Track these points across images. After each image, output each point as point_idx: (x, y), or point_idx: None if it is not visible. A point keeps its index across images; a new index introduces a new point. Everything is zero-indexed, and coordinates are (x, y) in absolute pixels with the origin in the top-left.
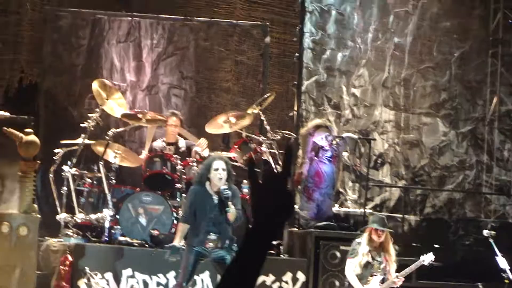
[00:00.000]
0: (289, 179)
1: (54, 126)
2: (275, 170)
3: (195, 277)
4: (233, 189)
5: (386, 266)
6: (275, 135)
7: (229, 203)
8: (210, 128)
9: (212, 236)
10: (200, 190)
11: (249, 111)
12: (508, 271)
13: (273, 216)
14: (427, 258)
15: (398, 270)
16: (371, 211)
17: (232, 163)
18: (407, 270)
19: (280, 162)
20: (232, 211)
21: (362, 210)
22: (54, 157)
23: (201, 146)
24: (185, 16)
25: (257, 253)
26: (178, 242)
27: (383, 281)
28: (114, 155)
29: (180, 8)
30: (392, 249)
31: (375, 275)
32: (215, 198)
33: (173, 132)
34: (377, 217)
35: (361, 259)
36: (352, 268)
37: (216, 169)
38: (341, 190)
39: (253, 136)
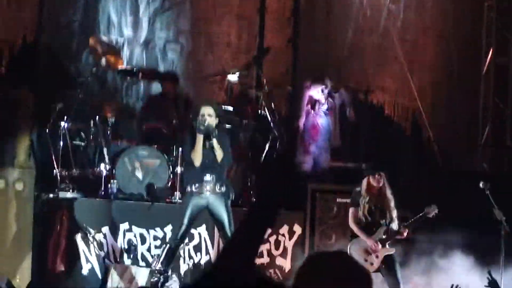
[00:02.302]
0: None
1: (51, 81)
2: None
3: (192, 230)
4: (220, 133)
5: (389, 213)
6: (271, 88)
7: (214, 141)
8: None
9: (208, 177)
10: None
11: (246, 65)
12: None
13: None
14: (432, 210)
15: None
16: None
17: (229, 117)
18: (411, 222)
19: (275, 114)
20: (218, 152)
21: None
22: (51, 113)
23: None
24: None
25: (256, 229)
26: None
27: (387, 230)
28: (110, 110)
29: None
30: (389, 195)
31: (379, 224)
32: (206, 142)
33: (170, 94)
34: (373, 162)
35: (362, 208)
36: (353, 218)
37: (203, 115)
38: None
39: (250, 90)
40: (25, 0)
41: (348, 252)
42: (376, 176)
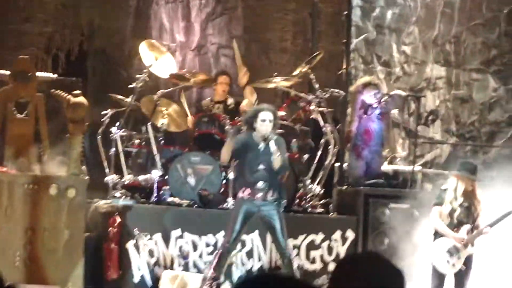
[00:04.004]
0: None
1: (103, 87)
2: None
3: (245, 237)
4: (278, 138)
5: (474, 214)
6: (323, 93)
7: (275, 149)
8: (258, 85)
9: (260, 185)
10: (246, 138)
11: (298, 69)
12: None
13: None
14: None
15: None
16: (420, 168)
17: (280, 121)
18: (497, 219)
19: (328, 120)
20: (277, 158)
21: (411, 167)
22: (102, 119)
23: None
24: None
25: None
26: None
27: (472, 229)
28: (163, 116)
29: None
30: (479, 197)
31: (463, 224)
32: (261, 146)
33: (223, 91)
34: (469, 164)
35: (449, 207)
36: (438, 216)
37: (263, 120)
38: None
39: (302, 95)
40: (81, 7)
41: (430, 252)
42: (470, 180)
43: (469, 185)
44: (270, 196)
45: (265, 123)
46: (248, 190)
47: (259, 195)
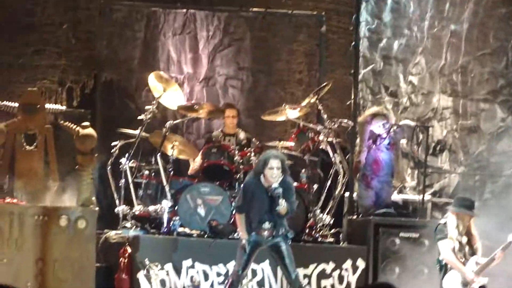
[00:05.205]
0: None
1: (111, 119)
2: None
3: (256, 266)
4: (286, 183)
5: (473, 248)
6: (332, 124)
7: (280, 200)
8: (267, 117)
9: (267, 225)
10: (254, 182)
11: (306, 100)
12: None
13: None
14: None
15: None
16: (430, 197)
17: (289, 152)
18: (504, 247)
19: (337, 150)
20: (283, 207)
21: (421, 196)
22: (111, 150)
23: None
24: (240, 7)
25: None
26: (245, 234)
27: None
28: (172, 146)
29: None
30: (475, 231)
31: (466, 258)
32: (269, 193)
33: (231, 123)
34: (467, 200)
35: (457, 243)
36: (450, 250)
37: (271, 168)
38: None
39: (310, 125)
40: (91, 40)
41: (443, 285)
42: (468, 216)
43: (466, 220)
44: (276, 233)
45: (273, 170)
46: (254, 227)
47: (266, 233)
